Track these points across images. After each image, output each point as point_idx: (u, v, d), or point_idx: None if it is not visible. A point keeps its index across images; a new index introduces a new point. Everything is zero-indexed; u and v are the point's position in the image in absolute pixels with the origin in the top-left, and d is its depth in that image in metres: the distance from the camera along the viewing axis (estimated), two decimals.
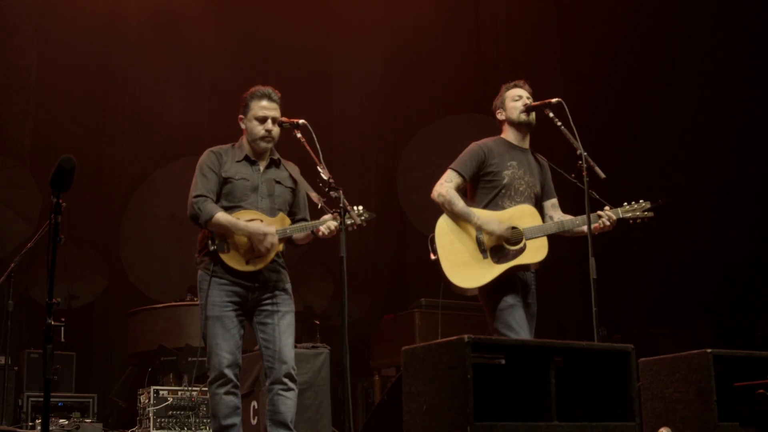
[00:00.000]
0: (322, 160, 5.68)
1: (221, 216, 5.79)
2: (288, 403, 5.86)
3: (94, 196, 11.57)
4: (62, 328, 4.79)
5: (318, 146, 5.69)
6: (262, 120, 5.95)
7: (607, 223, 6.06)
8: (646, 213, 6.16)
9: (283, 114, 6.01)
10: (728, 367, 4.94)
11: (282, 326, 5.91)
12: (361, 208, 5.83)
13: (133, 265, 11.54)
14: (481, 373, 4.00)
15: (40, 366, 9.25)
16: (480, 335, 3.94)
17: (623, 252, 11.67)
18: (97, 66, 11.66)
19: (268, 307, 5.92)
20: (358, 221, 5.66)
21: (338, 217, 5.67)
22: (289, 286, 6.07)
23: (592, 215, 6.01)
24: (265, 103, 5.97)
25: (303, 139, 5.81)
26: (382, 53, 13.27)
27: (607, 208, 6.09)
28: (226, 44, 12.41)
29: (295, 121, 5.88)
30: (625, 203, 6.17)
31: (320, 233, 5.85)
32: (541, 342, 4.35)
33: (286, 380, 5.86)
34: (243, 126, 6.05)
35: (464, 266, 5.97)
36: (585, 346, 4.41)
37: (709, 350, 4.79)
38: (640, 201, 6.19)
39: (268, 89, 6.02)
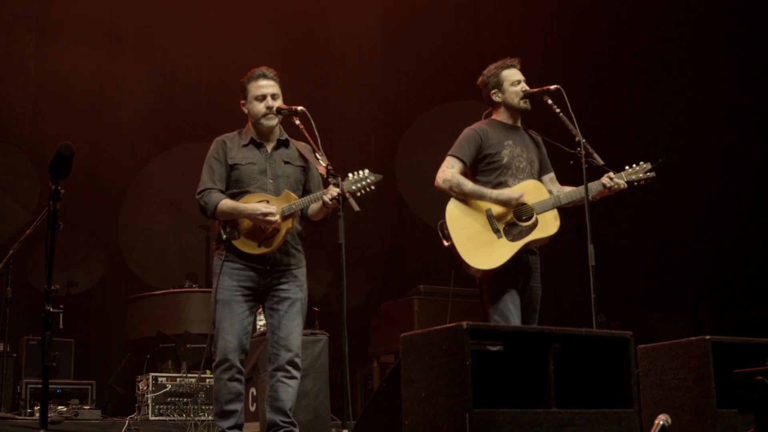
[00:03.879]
0: (320, 147, 5.70)
1: (224, 203, 5.86)
2: (289, 390, 5.90)
3: (93, 183, 11.57)
4: (61, 315, 4.80)
5: (316, 133, 5.71)
6: (262, 98, 5.99)
7: (614, 188, 6.08)
8: (648, 174, 6.18)
9: (283, 95, 6.03)
10: (727, 354, 4.94)
11: (290, 314, 5.94)
12: (366, 171, 5.83)
13: (132, 251, 11.55)
14: (480, 359, 4.00)
15: (38, 353, 9.26)
16: (479, 322, 3.94)
17: (622, 238, 11.68)
18: (96, 53, 11.63)
19: (279, 294, 5.95)
20: (356, 208, 5.64)
21: (335, 186, 5.70)
22: (302, 270, 6.10)
23: (597, 182, 6.05)
24: (262, 82, 6.01)
25: (301, 126, 5.83)
26: (381, 39, 13.25)
27: (611, 173, 6.10)
28: (225, 34, 12.38)
29: (294, 108, 5.90)
30: (627, 166, 6.19)
31: (326, 203, 5.79)
32: (540, 329, 4.35)
33: (289, 368, 5.89)
34: (246, 110, 6.10)
35: (481, 248, 5.97)
36: (584, 332, 4.41)
37: (707, 337, 4.78)
38: (641, 163, 6.21)
39: (262, 69, 6.07)
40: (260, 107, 5.99)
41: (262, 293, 5.97)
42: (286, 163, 6.06)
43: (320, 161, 5.71)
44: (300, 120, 5.87)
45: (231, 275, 5.89)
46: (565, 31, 13.15)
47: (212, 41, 12.41)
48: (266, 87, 6.00)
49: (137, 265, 11.49)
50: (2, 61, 11.01)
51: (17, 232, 9.18)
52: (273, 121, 6.02)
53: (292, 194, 5.95)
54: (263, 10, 12.38)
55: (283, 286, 5.96)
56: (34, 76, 11.22)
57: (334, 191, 5.74)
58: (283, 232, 5.87)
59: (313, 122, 5.78)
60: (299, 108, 5.88)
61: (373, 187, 5.79)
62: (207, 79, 12.22)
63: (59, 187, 4.80)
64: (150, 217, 11.48)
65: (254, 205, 5.83)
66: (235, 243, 5.88)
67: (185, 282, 9.94)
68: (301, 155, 6.12)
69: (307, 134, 5.77)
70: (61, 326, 4.86)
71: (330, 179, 5.67)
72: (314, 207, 5.99)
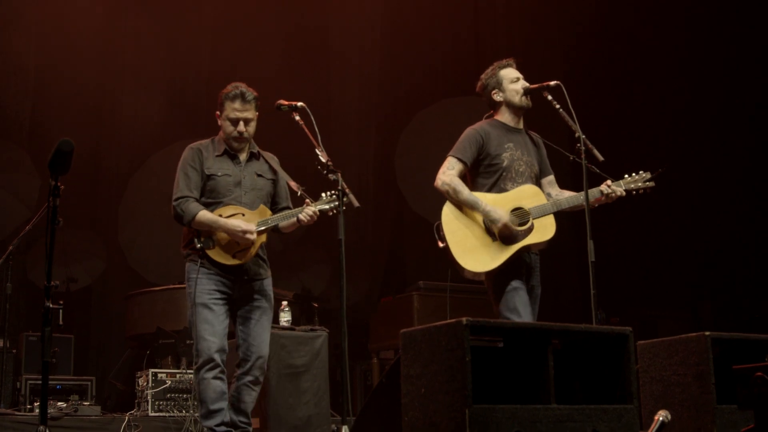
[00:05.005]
0: (320, 143, 5.73)
1: (202, 215, 5.96)
2: (253, 394, 6.15)
3: (93, 179, 11.54)
4: (60, 311, 4.81)
5: (316, 129, 5.73)
6: (234, 122, 6.10)
7: (612, 196, 6.09)
8: (647, 183, 6.20)
9: (277, 92, 6.10)
10: (727, 350, 4.94)
11: (261, 323, 6.15)
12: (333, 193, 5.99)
13: (132, 247, 11.52)
14: (480, 355, 4.00)
15: (38, 349, 9.24)
16: (478, 318, 3.94)
17: (622, 234, 11.68)
18: (96, 48, 11.62)
19: (251, 303, 6.13)
20: (356, 203, 5.72)
21: (310, 203, 5.99)
22: (269, 280, 6.26)
23: (595, 189, 6.05)
24: (237, 104, 6.09)
25: (301, 122, 5.86)
26: (381, 36, 13.23)
27: (609, 181, 6.11)
28: (226, 32, 12.36)
29: (294, 104, 5.93)
30: (626, 175, 6.20)
31: (301, 220, 6.01)
32: (540, 325, 4.36)
33: (257, 374, 6.12)
34: (220, 123, 6.21)
35: (475, 250, 5.98)
36: (583, 328, 4.41)
37: (707, 333, 4.78)
38: (641, 172, 6.22)
39: (242, 89, 6.12)
40: (230, 129, 6.12)
41: (236, 300, 6.12)
42: (259, 176, 6.21)
43: (320, 157, 5.73)
44: (300, 116, 5.90)
45: (208, 280, 5.99)
46: (565, 30, 13.12)
47: (213, 39, 12.38)
48: (240, 111, 6.09)
49: (137, 261, 11.47)
50: (1, 57, 10.99)
51: (17, 228, 9.18)
52: (241, 145, 6.16)
53: (268, 210, 6.13)
54: (264, 7, 12.36)
55: (254, 296, 6.14)
56: (34, 71, 11.20)
57: (309, 210, 5.98)
58: (257, 245, 6.05)
59: (312, 118, 5.80)
60: (299, 104, 5.92)
61: (344, 208, 5.84)
62: (207, 76, 12.19)
63: (59, 183, 4.80)
64: (150, 213, 11.43)
65: (234, 221, 5.95)
66: (209, 253, 5.99)
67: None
68: (271, 168, 6.26)
69: (306, 130, 5.79)
70: (60, 322, 4.87)
71: (330, 175, 5.71)
72: (288, 221, 6.10)
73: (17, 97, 11.06)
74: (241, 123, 6.06)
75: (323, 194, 6.03)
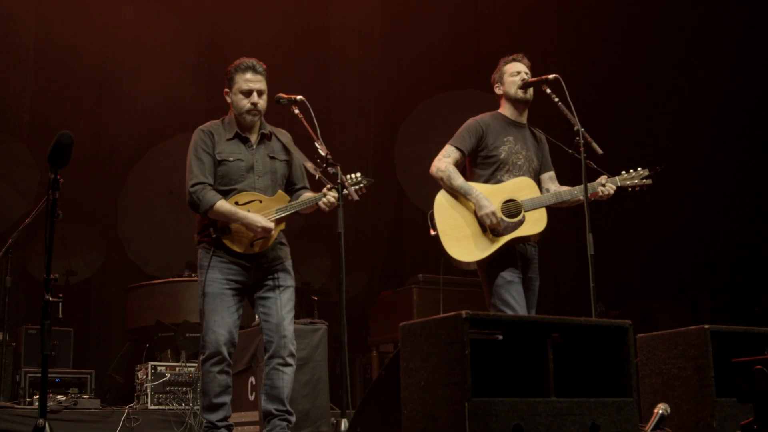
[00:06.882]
0: (319, 136, 5.70)
1: (221, 205, 5.75)
2: (285, 378, 5.86)
3: (92, 172, 11.54)
4: (60, 304, 4.80)
5: (316, 122, 5.70)
6: (247, 93, 5.92)
7: (605, 193, 6.10)
8: (644, 180, 6.21)
9: (277, 86, 6.02)
10: (726, 343, 4.94)
11: (282, 300, 5.91)
12: (359, 174, 5.88)
13: (131, 240, 11.53)
14: (479, 348, 4.00)
15: (37, 342, 9.24)
16: (478, 311, 3.94)
17: (621, 227, 11.68)
18: (95, 42, 11.61)
19: (270, 282, 5.92)
20: (356, 197, 5.69)
21: (335, 190, 5.74)
22: (289, 262, 6.07)
23: (591, 184, 6.05)
24: (249, 75, 5.92)
25: (301, 116, 5.82)
26: (380, 28, 13.23)
27: (605, 177, 6.12)
28: (225, 26, 12.35)
29: (293, 97, 5.88)
30: (623, 171, 6.21)
31: (321, 207, 5.86)
32: (539, 318, 4.35)
33: (285, 355, 5.85)
34: (229, 100, 6.02)
35: (464, 240, 5.99)
36: (583, 321, 4.40)
37: (706, 326, 4.79)
38: (638, 169, 6.22)
39: (252, 61, 5.97)
40: (244, 102, 5.92)
41: (251, 287, 5.94)
42: (272, 158, 6.02)
43: (319, 150, 5.70)
44: (299, 109, 5.85)
45: (221, 269, 5.82)
46: (565, 30, 13.11)
47: (212, 32, 12.38)
48: (253, 82, 5.91)
49: (136, 254, 11.48)
50: (1, 50, 10.98)
51: (16, 221, 9.18)
52: (255, 118, 5.97)
53: (286, 195, 5.96)
54: (265, 1, 12.35)
55: (274, 275, 5.94)
56: (33, 64, 11.20)
57: (331, 197, 5.80)
58: (275, 233, 5.87)
59: (312, 111, 5.78)
60: (298, 97, 5.87)
61: (364, 191, 5.79)
62: (207, 69, 12.20)
63: (58, 176, 4.80)
64: (149, 206, 11.46)
65: (254, 216, 5.77)
66: (225, 241, 5.82)
67: (184, 271, 9.92)
68: (284, 147, 6.09)
69: (306, 123, 5.77)
70: (60, 315, 4.88)
71: (329, 169, 5.67)
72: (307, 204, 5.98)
73: (16, 90, 11.07)
74: (255, 94, 5.88)
75: (345, 176, 5.80)
